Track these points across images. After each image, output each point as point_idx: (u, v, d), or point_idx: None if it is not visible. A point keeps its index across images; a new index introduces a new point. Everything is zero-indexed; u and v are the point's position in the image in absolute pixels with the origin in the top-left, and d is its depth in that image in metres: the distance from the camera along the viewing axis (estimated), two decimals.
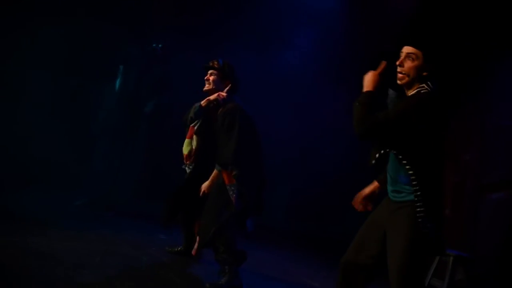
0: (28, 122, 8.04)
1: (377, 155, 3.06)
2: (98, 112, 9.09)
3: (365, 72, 3.11)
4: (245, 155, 4.48)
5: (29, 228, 5.21)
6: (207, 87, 4.80)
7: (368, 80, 3.04)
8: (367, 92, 3.01)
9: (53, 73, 8.28)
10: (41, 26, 7.95)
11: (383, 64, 3.09)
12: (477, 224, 6.45)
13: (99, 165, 8.67)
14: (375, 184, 3.41)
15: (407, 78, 3.05)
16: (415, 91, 3.03)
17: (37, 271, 3.92)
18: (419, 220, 2.89)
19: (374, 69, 3.09)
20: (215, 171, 4.65)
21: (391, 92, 3.20)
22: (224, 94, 4.72)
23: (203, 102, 4.84)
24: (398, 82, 3.10)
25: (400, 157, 2.95)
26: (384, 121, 2.87)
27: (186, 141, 5.04)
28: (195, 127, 4.97)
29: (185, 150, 5.05)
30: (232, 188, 4.41)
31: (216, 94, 4.75)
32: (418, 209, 2.89)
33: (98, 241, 5.26)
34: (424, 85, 3.02)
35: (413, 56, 3.02)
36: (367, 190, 3.42)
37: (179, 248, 5.27)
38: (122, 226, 6.43)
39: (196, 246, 4.71)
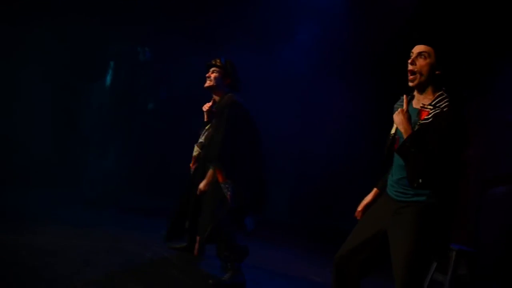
0: (21, 121, 8.05)
1: (420, 180, 2.99)
2: (87, 110, 9.10)
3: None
4: (236, 151, 4.46)
5: (31, 226, 5.24)
6: (208, 83, 4.79)
7: (402, 121, 2.97)
8: (411, 134, 2.93)
9: (43, 71, 8.25)
10: (31, 24, 7.91)
11: (405, 98, 3.04)
12: (480, 218, 6.45)
13: (95, 163, 8.71)
14: (375, 191, 3.45)
15: (419, 77, 3.02)
16: (435, 99, 2.99)
17: (41, 269, 3.94)
18: (429, 220, 2.94)
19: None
20: (210, 170, 4.65)
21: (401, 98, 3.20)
22: (207, 106, 4.83)
23: (205, 118, 4.92)
24: (410, 84, 3.06)
25: None
26: (436, 161, 2.87)
27: None
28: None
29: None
30: (226, 186, 4.40)
31: (203, 108, 4.85)
32: (430, 210, 2.94)
33: (101, 238, 5.28)
34: (441, 91, 3.01)
35: (425, 54, 3.00)
36: (369, 198, 3.46)
37: (183, 245, 5.28)
38: (125, 223, 6.45)
39: (197, 245, 4.71)
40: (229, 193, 4.38)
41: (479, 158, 6.59)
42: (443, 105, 2.94)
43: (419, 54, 3.02)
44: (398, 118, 3.00)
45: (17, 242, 4.51)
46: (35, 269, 3.92)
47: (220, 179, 4.43)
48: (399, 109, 3.01)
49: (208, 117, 4.88)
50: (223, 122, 4.48)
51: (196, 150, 5.00)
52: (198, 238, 4.69)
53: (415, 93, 3.12)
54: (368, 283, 3.41)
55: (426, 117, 2.96)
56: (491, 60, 6.58)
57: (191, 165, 5.08)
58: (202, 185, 4.64)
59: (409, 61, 3.05)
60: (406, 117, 2.97)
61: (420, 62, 3.01)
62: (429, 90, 3.04)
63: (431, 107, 2.97)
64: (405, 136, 2.95)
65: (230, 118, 4.47)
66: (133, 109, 9.21)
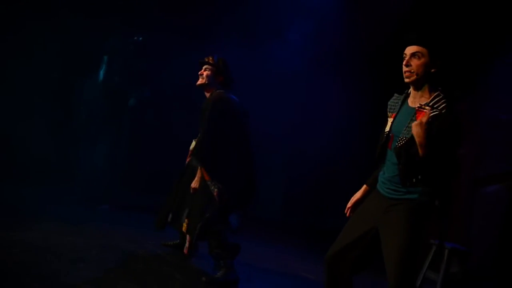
0: (16, 118, 8.00)
1: (414, 180, 2.98)
2: (81, 106, 9.06)
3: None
4: (220, 148, 4.45)
5: (27, 223, 5.24)
6: (200, 81, 4.79)
7: (419, 134, 2.90)
8: (428, 150, 2.90)
9: (36, 66, 8.19)
10: (24, 19, 7.86)
11: (427, 111, 2.99)
12: (473, 217, 6.48)
13: (90, 160, 8.67)
14: (364, 188, 3.46)
15: (415, 76, 3.03)
16: (432, 100, 3.00)
17: (35, 266, 3.94)
18: (421, 217, 2.98)
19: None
20: (199, 167, 4.64)
21: (396, 96, 3.21)
22: None
23: None
24: (406, 80, 3.07)
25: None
26: (435, 162, 2.91)
27: None
28: None
29: None
30: (213, 183, 4.39)
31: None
32: (422, 208, 2.98)
33: (94, 235, 5.28)
34: (438, 92, 3.02)
35: (419, 54, 3.02)
36: (358, 195, 3.46)
37: (175, 242, 5.27)
38: (118, 220, 6.45)
39: (187, 244, 4.69)
40: (216, 190, 4.37)
41: (472, 157, 6.62)
42: (441, 106, 2.96)
43: (413, 54, 3.04)
44: (416, 129, 2.92)
45: (13, 239, 4.51)
46: (29, 266, 3.92)
47: (206, 176, 4.43)
48: (419, 120, 2.93)
49: None
50: (205, 119, 4.47)
51: (193, 145, 4.98)
52: (188, 237, 4.68)
53: (411, 90, 3.13)
54: (360, 279, 3.42)
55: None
56: (483, 60, 6.60)
57: (187, 159, 5.09)
58: (193, 183, 4.64)
59: (404, 63, 3.06)
60: (424, 131, 2.89)
61: (415, 62, 3.03)
62: (426, 89, 3.06)
63: (429, 108, 2.98)
64: (420, 151, 2.90)
65: (212, 115, 4.46)
66: (126, 104, 9.18)
